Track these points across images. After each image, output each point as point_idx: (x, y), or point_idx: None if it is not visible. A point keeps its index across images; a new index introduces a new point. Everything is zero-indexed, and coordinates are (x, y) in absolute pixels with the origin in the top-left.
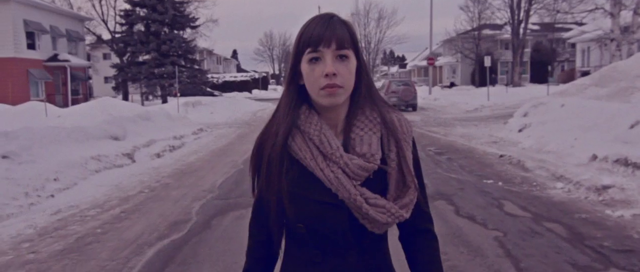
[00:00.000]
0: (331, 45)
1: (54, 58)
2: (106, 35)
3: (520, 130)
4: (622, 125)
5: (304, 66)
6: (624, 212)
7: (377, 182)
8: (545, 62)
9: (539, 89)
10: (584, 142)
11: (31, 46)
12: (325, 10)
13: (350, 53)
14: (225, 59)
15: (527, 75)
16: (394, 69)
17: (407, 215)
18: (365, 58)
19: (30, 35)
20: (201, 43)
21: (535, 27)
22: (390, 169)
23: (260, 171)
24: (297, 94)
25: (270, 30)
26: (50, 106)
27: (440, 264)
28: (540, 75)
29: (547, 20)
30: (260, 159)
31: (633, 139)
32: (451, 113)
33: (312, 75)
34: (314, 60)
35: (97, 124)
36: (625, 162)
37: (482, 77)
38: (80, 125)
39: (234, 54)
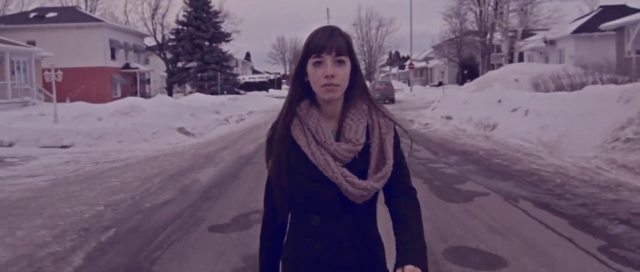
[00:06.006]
0: (331, 52)
1: (127, 66)
2: (150, 43)
3: (432, 110)
4: (461, 102)
5: (310, 68)
6: (428, 129)
7: (362, 160)
8: None
9: None
10: (448, 111)
11: (112, 57)
12: (332, 14)
13: (346, 59)
14: (243, 62)
15: None
16: (395, 70)
17: (378, 186)
18: (367, 61)
19: (112, 50)
20: (227, 49)
21: (512, 34)
22: (372, 149)
23: (271, 153)
24: (301, 88)
25: (282, 35)
26: (165, 97)
27: (420, 225)
28: None
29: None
30: (272, 143)
31: (462, 108)
32: (416, 104)
33: (316, 75)
34: (317, 64)
35: (208, 105)
36: (447, 117)
37: (464, 77)
38: (202, 106)
39: (247, 56)
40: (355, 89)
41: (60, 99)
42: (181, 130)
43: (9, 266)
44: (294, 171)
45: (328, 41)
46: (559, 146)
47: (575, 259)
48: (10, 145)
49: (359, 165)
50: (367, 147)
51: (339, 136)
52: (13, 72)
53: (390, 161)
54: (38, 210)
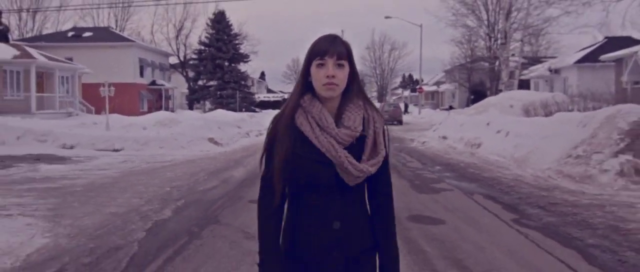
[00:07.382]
0: (333, 56)
1: (153, 83)
2: (173, 61)
3: (434, 131)
4: (459, 124)
5: (313, 69)
6: (424, 146)
7: (358, 147)
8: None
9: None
10: (446, 132)
11: (141, 75)
12: (346, 36)
13: (345, 63)
14: (258, 81)
15: None
16: (407, 92)
17: (373, 170)
18: (379, 83)
19: (141, 68)
20: (245, 69)
21: (524, 60)
22: (368, 139)
23: (272, 145)
24: (304, 87)
25: (297, 56)
26: (191, 112)
27: (393, 221)
28: None
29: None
30: (275, 133)
31: (458, 129)
32: (422, 126)
33: (318, 75)
34: (320, 65)
35: (231, 120)
36: (443, 137)
37: (473, 101)
38: (226, 120)
39: (262, 75)
40: (352, 90)
41: (98, 111)
42: (211, 140)
43: (128, 213)
44: (299, 156)
45: (330, 46)
46: (526, 160)
47: (492, 223)
48: (72, 147)
49: (355, 152)
50: (363, 137)
51: (337, 125)
52: (59, 86)
53: (382, 150)
54: (122, 189)
